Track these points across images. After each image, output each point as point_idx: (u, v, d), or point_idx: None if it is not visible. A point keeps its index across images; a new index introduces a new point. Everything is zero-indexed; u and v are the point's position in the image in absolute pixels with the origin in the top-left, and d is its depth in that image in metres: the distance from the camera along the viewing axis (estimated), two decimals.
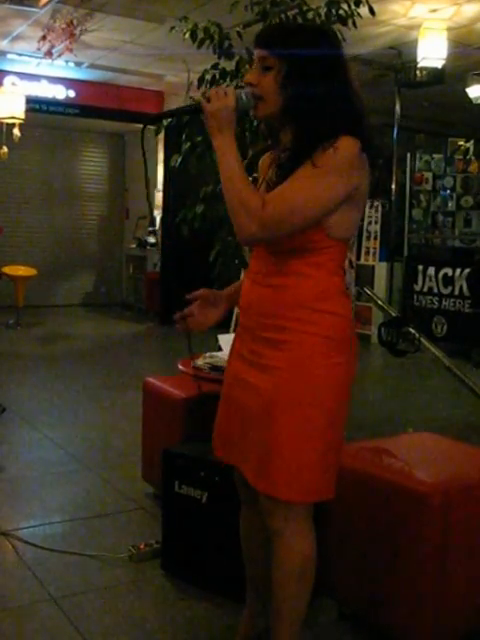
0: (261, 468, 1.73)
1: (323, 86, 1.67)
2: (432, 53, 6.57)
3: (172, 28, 4.21)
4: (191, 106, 1.80)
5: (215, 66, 4.04)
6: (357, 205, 1.73)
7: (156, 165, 9.94)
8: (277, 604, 1.83)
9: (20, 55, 7.84)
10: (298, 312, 1.70)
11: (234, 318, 3.41)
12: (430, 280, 7.76)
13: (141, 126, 1.83)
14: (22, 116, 7.57)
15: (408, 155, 8.74)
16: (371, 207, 8.60)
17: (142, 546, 2.68)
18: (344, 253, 1.75)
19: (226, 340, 2.90)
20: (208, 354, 2.98)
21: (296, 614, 1.83)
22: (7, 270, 8.73)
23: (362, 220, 8.66)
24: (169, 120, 4.06)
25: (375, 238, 8.48)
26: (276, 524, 1.76)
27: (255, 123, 3.22)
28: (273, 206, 1.62)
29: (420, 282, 7.88)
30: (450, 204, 9.05)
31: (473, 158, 9.28)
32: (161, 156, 9.44)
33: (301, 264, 1.71)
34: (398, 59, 7.44)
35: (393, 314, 4.17)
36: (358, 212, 1.76)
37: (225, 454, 1.88)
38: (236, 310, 2.17)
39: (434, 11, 6.19)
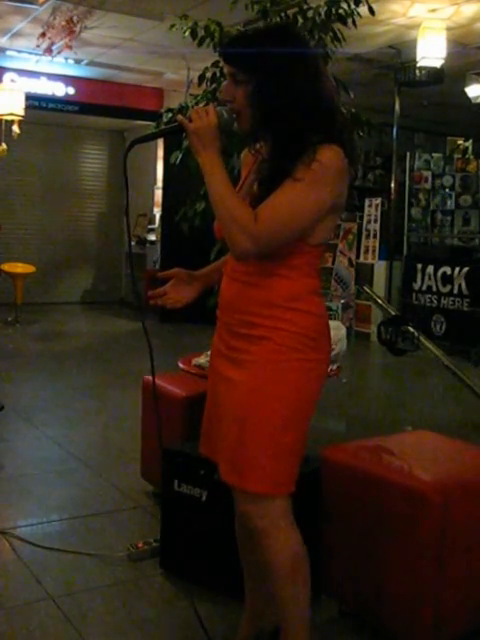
0: (233, 461, 1.75)
1: (296, 93, 1.65)
2: (431, 52, 6.57)
3: (172, 26, 4.21)
4: (173, 126, 1.78)
5: (215, 64, 4.04)
6: (337, 211, 1.76)
7: (156, 162, 9.93)
8: (279, 607, 1.85)
9: (20, 52, 7.83)
10: (272, 310, 1.74)
11: None
12: (429, 279, 7.77)
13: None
14: (21, 113, 7.56)
15: (407, 154, 8.75)
16: (370, 205, 8.60)
17: (141, 545, 2.68)
18: (320, 256, 1.79)
19: None
20: (207, 352, 2.98)
21: (299, 612, 1.84)
22: (6, 267, 8.73)
23: (361, 219, 8.67)
24: (170, 117, 4.05)
25: (374, 237, 8.46)
26: (254, 523, 1.77)
27: None
28: (264, 222, 1.64)
29: (419, 281, 7.89)
30: (449, 203, 9.06)
31: (472, 157, 9.29)
32: (161, 153, 9.44)
33: (277, 266, 1.73)
34: (397, 58, 7.44)
35: (392, 313, 4.17)
36: (336, 218, 1.79)
37: (208, 451, 1.90)
38: None
39: (433, 11, 6.19)
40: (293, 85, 1.66)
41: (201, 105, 1.77)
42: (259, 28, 1.77)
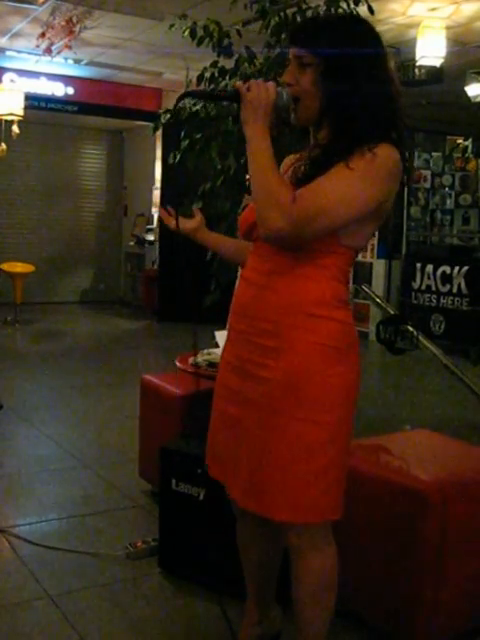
0: (253, 486, 1.63)
1: (365, 83, 1.57)
2: (431, 51, 6.56)
3: (171, 26, 4.20)
4: (230, 92, 1.70)
5: (214, 64, 4.03)
6: (379, 218, 1.65)
7: (154, 162, 9.93)
8: (297, 623, 1.77)
9: (19, 52, 7.83)
10: (294, 317, 1.60)
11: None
12: (428, 278, 7.76)
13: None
14: (21, 113, 7.56)
15: (406, 153, 8.73)
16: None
17: (139, 544, 2.67)
18: (351, 262, 1.65)
19: (223, 336, 2.89)
20: (206, 351, 2.98)
21: (318, 635, 1.76)
22: (5, 267, 8.72)
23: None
24: (168, 117, 4.05)
25: (373, 235, 8.46)
26: (291, 540, 1.69)
27: None
28: (304, 203, 1.52)
29: (418, 280, 7.88)
30: (448, 202, 9.06)
31: (471, 156, 9.29)
32: (159, 153, 9.43)
33: (303, 265, 1.60)
34: (397, 57, 7.43)
35: (391, 312, 4.16)
36: (377, 225, 1.67)
37: (219, 472, 1.78)
38: None
39: (433, 10, 6.19)
40: (363, 71, 1.57)
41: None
42: (331, 14, 1.68)
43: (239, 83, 1.65)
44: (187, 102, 4.12)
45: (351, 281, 8.44)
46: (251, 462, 1.63)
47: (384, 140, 1.57)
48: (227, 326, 1.77)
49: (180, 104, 1.71)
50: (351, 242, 1.62)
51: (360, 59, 1.58)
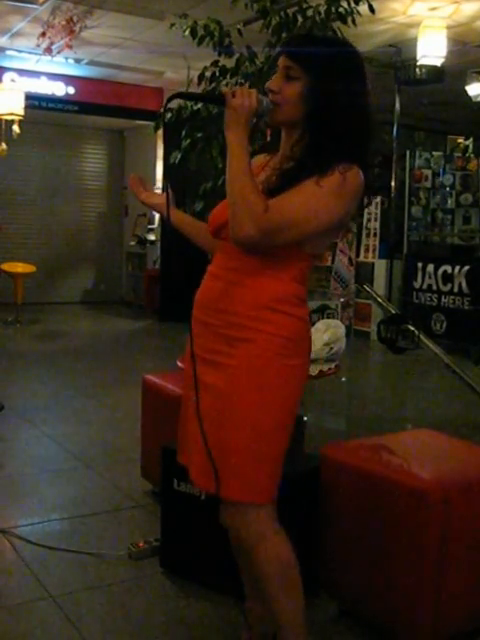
0: (207, 467, 1.70)
1: (346, 109, 1.68)
2: (432, 51, 6.58)
3: (172, 25, 4.21)
4: (216, 96, 1.80)
5: (215, 63, 4.03)
6: (339, 230, 1.80)
7: (155, 162, 9.93)
8: (273, 616, 1.84)
9: (20, 52, 7.84)
10: (258, 311, 1.71)
11: None
12: (429, 277, 7.76)
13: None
14: (21, 113, 7.56)
15: (407, 152, 8.74)
16: (370, 204, 8.58)
17: (141, 544, 2.67)
18: (311, 266, 1.79)
19: None
20: None
21: (294, 620, 1.81)
22: (6, 267, 8.72)
23: (361, 217, 8.64)
24: (169, 116, 4.05)
25: (374, 235, 8.47)
26: (240, 534, 1.76)
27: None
28: (275, 215, 1.62)
29: (419, 279, 7.88)
30: (449, 201, 9.05)
31: (472, 155, 9.29)
32: (160, 153, 9.44)
33: (268, 266, 1.72)
34: (398, 57, 7.44)
35: (392, 311, 4.17)
36: (334, 235, 1.82)
37: (184, 459, 1.86)
38: None
39: (434, 9, 6.19)
40: (346, 98, 1.68)
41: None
42: (328, 36, 1.81)
43: (226, 89, 1.75)
44: (188, 102, 4.13)
45: (352, 280, 8.45)
46: (209, 443, 1.71)
47: (354, 163, 1.67)
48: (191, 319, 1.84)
49: (171, 105, 1.76)
50: (312, 250, 1.75)
51: (343, 83, 1.69)
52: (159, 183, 9.70)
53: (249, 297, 1.72)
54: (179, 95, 1.80)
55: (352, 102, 1.69)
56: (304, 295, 1.79)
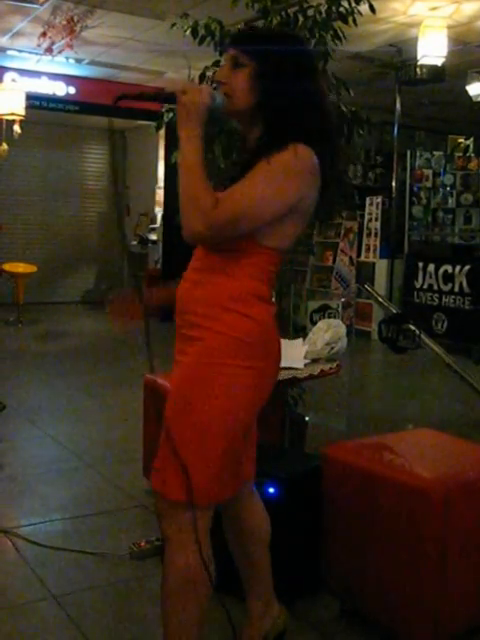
0: (156, 465, 1.71)
1: (293, 88, 1.67)
2: (432, 51, 6.57)
3: (173, 25, 4.20)
4: (167, 94, 1.76)
5: (216, 63, 4.02)
6: (299, 218, 1.70)
7: (157, 162, 9.93)
8: (162, 618, 1.75)
9: (20, 51, 7.83)
10: (210, 310, 1.68)
11: None
12: (430, 277, 7.76)
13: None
14: (22, 113, 7.56)
15: (408, 152, 8.74)
16: (371, 204, 8.59)
17: (143, 543, 2.67)
18: (274, 262, 1.71)
19: None
20: None
21: (174, 634, 1.72)
22: (7, 267, 8.71)
23: (362, 217, 8.66)
24: (171, 116, 4.04)
25: (376, 235, 8.47)
26: (162, 526, 1.72)
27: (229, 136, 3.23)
28: (223, 208, 1.59)
29: (420, 279, 7.88)
30: (450, 201, 9.05)
31: (473, 155, 9.28)
32: (162, 153, 9.43)
33: (223, 264, 1.68)
34: (398, 57, 7.43)
35: (393, 311, 4.16)
36: (297, 226, 1.71)
37: None
38: None
39: (434, 9, 6.19)
40: (292, 78, 1.67)
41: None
42: (270, 28, 1.82)
43: (176, 85, 1.73)
44: None
45: (354, 280, 8.45)
46: (160, 439, 1.71)
47: (307, 142, 1.64)
48: None
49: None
50: (271, 243, 1.68)
51: (291, 66, 1.69)
52: (161, 183, 9.70)
53: (205, 296, 1.70)
54: (125, 96, 1.75)
55: (301, 83, 1.68)
56: (265, 293, 1.72)
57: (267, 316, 1.72)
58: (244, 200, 1.60)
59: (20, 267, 8.86)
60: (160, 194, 9.67)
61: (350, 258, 8.58)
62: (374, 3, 3.85)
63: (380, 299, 4.52)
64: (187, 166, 1.65)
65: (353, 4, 3.64)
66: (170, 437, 1.67)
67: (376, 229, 8.47)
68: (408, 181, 8.67)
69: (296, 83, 1.67)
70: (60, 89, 8.99)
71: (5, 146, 7.72)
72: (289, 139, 1.62)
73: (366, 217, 8.62)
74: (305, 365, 2.77)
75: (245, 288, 1.68)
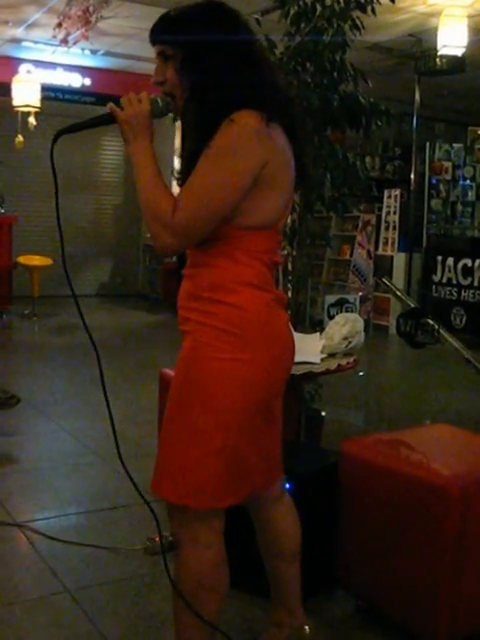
0: (154, 466, 1.68)
1: (222, 68, 1.55)
2: (452, 41, 6.50)
3: None
4: (103, 115, 1.68)
5: None
6: (272, 188, 1.56)
7: (172, 154, 9.90)
8: (174, 620, 1.72)
9: (36, 43, 7.83)
10: (196, 303, 1.61)
11: None
12: (449, 271, 7.69)
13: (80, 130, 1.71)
14: (38, 104, 7.57)
15: (427, 144, 8.66)
16: (389, 197, 8.52)
17: (157, 539, 2.64)
18: (264, 243, 1.60)
19: None
20: None
21: (187, 637, 1.70)
22: (23, 260, 8.71)
23: (380, 210, 8.59)
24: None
25: (394, 228, 8.40)
26: (173, 528, 1.67)
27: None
28: (181, 212, 1.51)
29: (439, 273, 7.82)
30: (470, 194, 8.95)
31: None
32: (178, 144, 9.39)
33: (206, 254, 1.60)
34: (418, 47, 7.36)
35: (412, 305, 4.12)
36: (273, 197, 1.57)
37: None
38: None
39: None
40: (219, 57, 1.56)
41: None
42: (188, 6, 1.68)
43: (111, 104, 1.63)
44: None
45: (371, 274, 8.38)
46: (158, 444, 1.68)
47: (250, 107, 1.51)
48: None
49: (56, 143, 1.65)
50: (250, 222, 1.56)
51: (215, 45, 1.56)
52: (177, 174, 9.66)
53: (192, 289, 1.64)
54: (62, 132, 1.65)
55: (230, 60, 1.55)
56: (256, 278, 1.59)
57: (260, 303, 1.59)
58: (197, 195, 1.52)
59: (35, 260, 8.86)
60: (176, 186, 9.64)
61: (368, 251, 8.52)
62: None
63: (398, 293, 4.47)
64: (145, 181, 1.57)
65: None
66: (162, 436, 1.65)
67: (394, 222, 8.40)
68: (427, 173, 8.59)
69: (224, 63, 1.55)
70: (76, 80, 8.99)
71: (21, 138, 7.73)
72: (224, 112, 1.50)
73: (384, 210, 8.55)
74: (322, 360, 2.74)
75: (229, 276, 1.58)
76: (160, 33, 1.64)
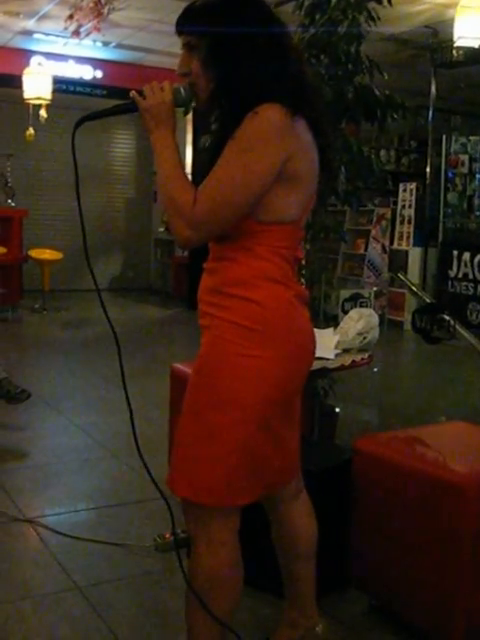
0: (170, 462, 1.68)
1: (250, 60, 1.53)
2: (469, 32, 6.41)
3: None
4: (126, 103, 1.68)
5: None
6: (294, 183, 1.55)
7: (185, 147, 9.86)
8: (186, 619, 1.70)
9: (47, 35, 7.80)
10: (215, 297, 1.61)
11: None
12: (465, 266, 7.64)
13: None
14: (49, 97, 7.54)
15: (443, 137, 8.60)
16: (405, 190, 8.45)
17: (168, 535, 2.64)
18: (285, 238, 1.58)
19: None
20: None
21: (199, 634, 1.67)
22: (33, 254, 8.69)
23: (395, 204, 8.52)
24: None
25: (409, 222, 8.34)
26: (189, 526, 1.65)
27: None
28: (201, 204, 1.50)
29: (455, 268, 7.77)
30: None
31: None
32: (189, 137, 9.36)
33: (227, 249, 1.59)
34: (434, 38, 7.30)
35: (427, 300, 4.08)
36: (296, 192, 1.56)
37: None
38: None
39: None
40: (247, 48, 1.54)
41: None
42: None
43: (133, 93, 1.62)
44: None
45: (386, 269, 8.33)
46: (175, 440, 1.67)
47: (275, 100, 1.49)
48: None
49: (78, 130, 1.65)
50: (271, 217, 1.55)
51: (241, 36, 1.54)
52: (188, 168, 9.62)
53: (211, 284, 1.63)
54: (84, 119, 1.69)
55: (257, 52, 1.53)
56: (277, 273, 1.57)
57: (281, 299, 1.58)
58: (218, 189, 1.50)
59: (46, 254, 8.85)
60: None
61: (383, 246, 8.46)
62: None
63: (414, 288, 4.43)
64: (164, 173, 1.57)
65: None
66: (178, 432, 1.63)
67: (409, 216, 8.33)
68: (443, 167, 8.52)
69: (252, 55, 1.53)
70: (87, 73, 8.94)
71: (32, 131, 7.71)
72: (250, 104, 1.49)
73: (399, 204, 8.49)
74: (336, 355, 2.71)
75: (250, 271, 1.56)
76: (185, 23, 1.61)
